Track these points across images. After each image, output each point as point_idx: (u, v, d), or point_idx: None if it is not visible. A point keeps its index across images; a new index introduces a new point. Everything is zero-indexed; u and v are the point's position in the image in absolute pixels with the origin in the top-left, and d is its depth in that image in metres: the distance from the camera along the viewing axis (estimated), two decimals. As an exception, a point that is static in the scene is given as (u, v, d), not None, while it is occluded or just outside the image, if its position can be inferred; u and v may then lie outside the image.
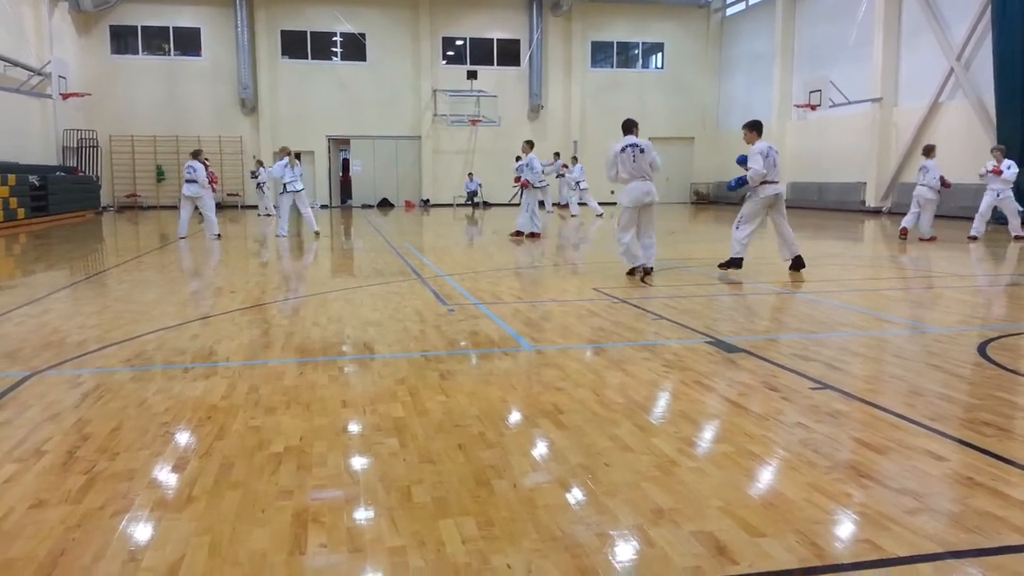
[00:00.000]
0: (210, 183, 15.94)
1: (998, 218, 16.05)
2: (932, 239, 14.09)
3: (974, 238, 14.32)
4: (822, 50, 25.99)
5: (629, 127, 9.42)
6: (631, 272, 9.40)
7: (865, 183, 24.19)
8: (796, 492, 3.03)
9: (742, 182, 9.56)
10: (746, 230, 9.63)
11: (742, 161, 9.62)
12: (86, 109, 26.67)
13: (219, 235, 15.75)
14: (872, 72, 23.35)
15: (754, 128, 9.61)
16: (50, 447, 3.61)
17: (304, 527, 2.76)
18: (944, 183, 14.23)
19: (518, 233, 15.39)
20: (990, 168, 14.43)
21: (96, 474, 3.27)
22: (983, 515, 2.80)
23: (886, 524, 2.73)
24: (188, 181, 15.49)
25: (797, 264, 9.67)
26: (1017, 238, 14.48)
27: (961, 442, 3.59)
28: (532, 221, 15.21)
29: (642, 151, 9.12)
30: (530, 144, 15.88)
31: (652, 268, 9.37)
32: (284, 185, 15.59)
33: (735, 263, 9.70)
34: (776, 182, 9.49)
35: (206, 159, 15.98)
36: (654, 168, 9.21)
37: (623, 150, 9.16)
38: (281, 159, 15.61)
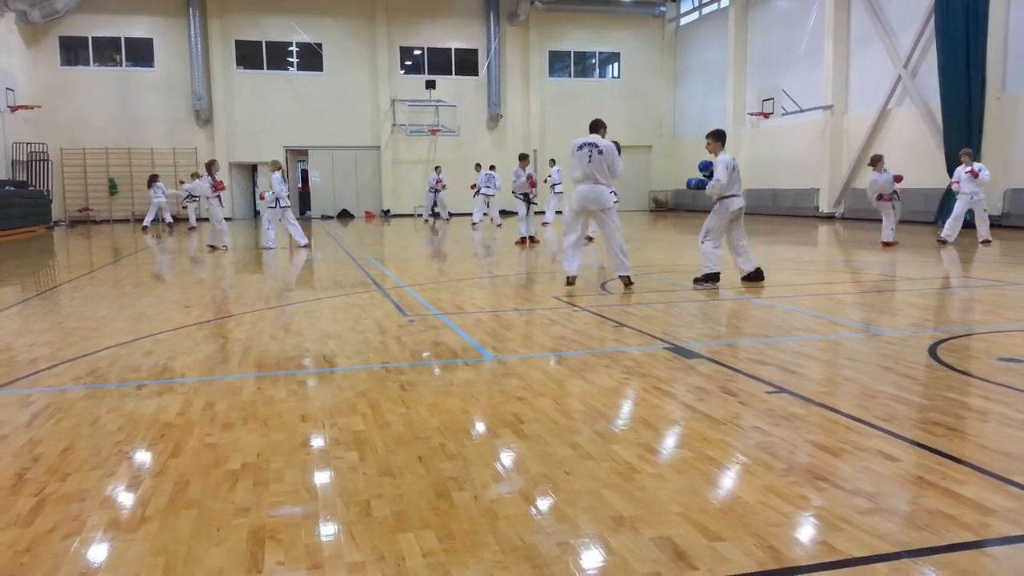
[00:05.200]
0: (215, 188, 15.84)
1: (966, 223, 15.73)
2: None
3: (944, 242, 14.20)
4: (774, 58, 26.48)
5: (595, 127, 8.94)
6: (569, 282, 9.12)
7: (818, 189, 24.64)
8: (753, 496, 3.07)
9: (701, 185, 9.26)
10: (713, 243, 9.07)
11: (705, 167, 9.27)
12: (36, 122, 26.04)
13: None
14: (823, 80, 23.84)
15: (718, 138, 9.04)
16: (-2, 470, 3.51)
17: (261, 545, 2.72)
18: (896, 178, 14.15)
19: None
20: (965, 172, 14.16)
21: (46, 496, 3.19)
22: (934, 514, 2.86)
23: (841, 525, 2.78)
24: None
25: (756, 275, 9.23)
26: (985, 242, 14.28)
27: (913, 442, 3.67)
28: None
29: (600, 152, 8.61)
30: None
31: (629, 278, 8.96)
32: (277, 200, 15.64)
33: (714, 278, 9.09)
34: (739, 195, 9.04)
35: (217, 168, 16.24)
36: (613, 173, 8.73)
37: (579, 148, 8.71)
38: (274, 173, 15.63)
